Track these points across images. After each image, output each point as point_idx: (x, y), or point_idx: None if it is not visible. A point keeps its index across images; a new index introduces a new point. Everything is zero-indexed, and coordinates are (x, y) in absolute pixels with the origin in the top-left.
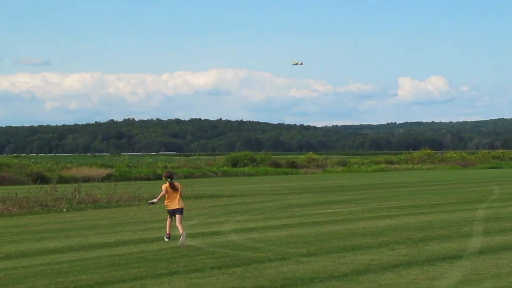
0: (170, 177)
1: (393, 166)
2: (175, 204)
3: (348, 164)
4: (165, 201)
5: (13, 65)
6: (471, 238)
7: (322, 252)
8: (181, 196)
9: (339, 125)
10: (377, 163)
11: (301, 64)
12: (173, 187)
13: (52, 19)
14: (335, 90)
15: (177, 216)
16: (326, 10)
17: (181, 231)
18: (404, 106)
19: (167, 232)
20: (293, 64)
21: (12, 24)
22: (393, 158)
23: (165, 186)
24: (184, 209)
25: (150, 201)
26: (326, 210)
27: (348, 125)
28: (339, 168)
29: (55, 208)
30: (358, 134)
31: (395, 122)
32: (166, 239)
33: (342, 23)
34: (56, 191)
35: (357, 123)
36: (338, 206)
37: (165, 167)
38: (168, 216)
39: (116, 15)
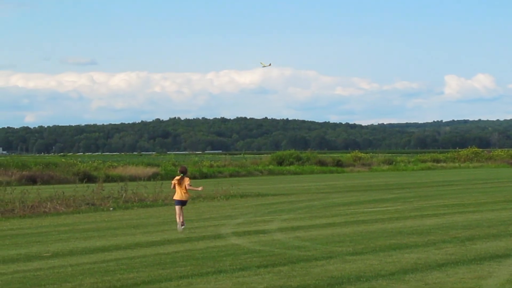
0: (183, 172)
1: (439, 165)
2: (179, 195)
3: (394, 163)
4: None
5: (60, 64)
6: None
7: (369, 251)
8: (186, 190)
9: (385, 123)
10: (424, 161)
11: (269, 65)
12: (180, 182)
13: (98, 19)
14: (381, 88)
15: (180, 207)
16: (372, 9)
17: (179, 220)
18: (450, 104)
19: (179, 220)
20: (262, 66)
21: (59, 24)
22: (440, 156)
23: (176, 179)
24: (187, 202)
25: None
26: (372, 209)
27: (394, 123)
28: (385, 167)
29: (101, 207)
30: (404, 132)
31: (441, 120)
32: (182, 226)
33: (388, 21)
34: (103, 190)
35: (403, 121)
36: (385, 205)
37: (211, 166)
38: (175, 205)
39: (162, 15)
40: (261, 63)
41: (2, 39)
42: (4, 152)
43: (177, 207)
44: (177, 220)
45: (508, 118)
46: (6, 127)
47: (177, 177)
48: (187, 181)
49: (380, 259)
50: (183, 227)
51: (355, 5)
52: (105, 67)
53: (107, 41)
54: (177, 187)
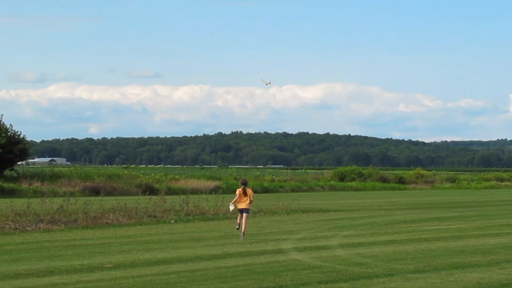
0: (244, 184)
1: (503, 184)
2: (242, 204)
3: (457, 181)
4: (237, 202)
5: (124, 77)
6: None
7: (431, 269)
8: (250, 201)
9: (448, 141)
10: (487, 180)
11: (270, 83)
12: (244, 192)
13: (163, 32)
14: (445, 105)
15: (244, 214)
16: (437, 26)
17: (243, 229)
18: None
19: (238, 222)
20: (265, 84)
21: (124, 38)
22: (504, 175)
23: (238, 190)
24: (250, 210)
25: (230, 203)
26: (435, 227)
27: (457, 141)
28: (448, 185)
29: (163, 219)
30: (467, 150)
31: (506, 139)
32: (237, 227)
33: (452, 38)
34: (165, 203)
35: (467, 139)
36: (447, 223)
37: (272, 180)
38: (239, 213)
39: (226, 29)
40: (262, 80)
41: (68, 52)
42: (68, 163)
43: (241, 215)
44: (242, 229)
45: None
46: (70, 138)
47: (240, 189)
48: (251, 192)
49: (442, 277)
50: (241, 239)
51: (419, 22)
52: (168, 80)
53: (171, 55)
54: (241, 197)
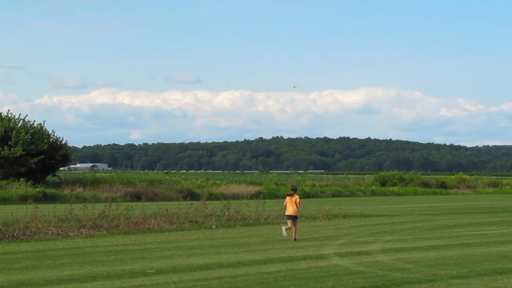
0: (294, 190)
1: None
2: (289, 211)
3: (499, 185)
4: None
5: (165, 83)
6: None
7: (474, 275)
8: (297, 207)
9: (490, 145)
10: None
11: (295, 86)
12: (291, 199)
13: (203, 38)
14: (487, 109)
15: (291, 221)
16: (479, 30)
17: (294, 234)
18: None
19: (287, 228)
20: (293, 87)
21: (164, 43)
22: None
23: (286, 198)
24: (297, 217)
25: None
26: (477, 232)
27: (499, 146)
28: (490, 189)
29: (204, 225)
30: (510, 155)
31: None
32: (284, 229)
33: (494, 42)
34: (206, 208)
35: (509, 143)
36: (490, 228)
37: (313, 185)
38: (286, 220)
39: (266, 34)
40: (294, 86)
41: (110, 57)
42: (110, 168)
43: (288, 221)
44: (284, 231)
45: None
46: (112, 143)
47: (288, 194)
48: (297, 199)
49: (485, 283)
50: (295, 240)
51: (461, 26)
52: (209, 86)
53: (212, 60)
54: (288, 203)
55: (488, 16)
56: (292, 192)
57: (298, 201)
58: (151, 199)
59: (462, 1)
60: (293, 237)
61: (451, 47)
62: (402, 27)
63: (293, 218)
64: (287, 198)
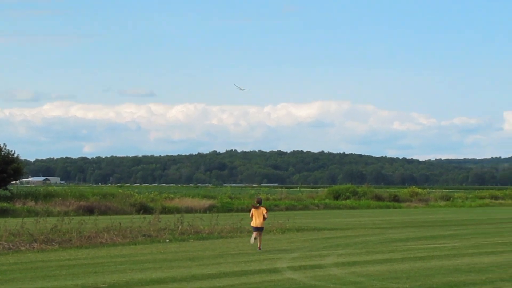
0: (259, 202)
1: (498, 202)
2: (256, 223)
3: (451, 199)
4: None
5: (119, 95)
6: None
7: None
8: (264, 218)
9: (442, 159)
10: (482, 198)
11: (241, 89)
12: (258, 211)
13: (157, 51)
14: (439, 123)
15: (259, 233)
16: (431, 44)
17: (259, 244)
18: (509, 140)
19: (257, 244)
20: (240, 90)
21: (118, 56)
22: (498, 193)
23: (252, 209)
24: (263, 228)
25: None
26: (429, 245)
27: (451, 159)
28: (443, 203)
29: (158, 239)
30: (462, 168)
31: (500, 157)
32: (253, 237)
33: (447, 56)
34: (159, 222)
35: (461, 157)
36: (442, 241)
37: (267, 199)
38: (253, 231)
39: (220, 47)
40: (235, 85)
41: (63, 71)
42: (62, 182)
43: (254, 233)
44: (252, 238)
45: None
46: (64, 157)
47: (254, 206)
48: (264, 210)
49: None
50: (259, 250)
51: (414, 40)
52: (163, 99)
53: (166, 73)
54: (254, 215)
55: (440, 30)
56: (258, 204)
57: (265, 212)
58: (104, 212)
59: (414, 15)
60: (258, 246)
61: (404, 61)
62: (355, 40)
63: (260, 229)
64: (253, 210)
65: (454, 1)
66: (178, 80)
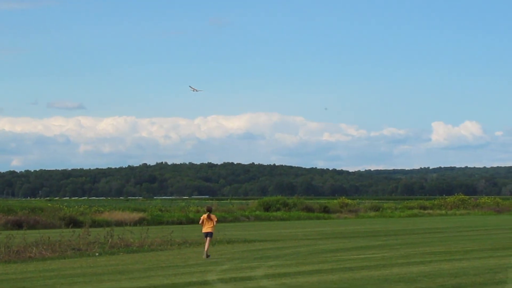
0: (209, 210)
1: (426, 212)
2: (208, 229)
3: (381, 209)
4: (202, 227)
5: (47, 108)
6: (505, 285)
7: None
8: (213, 225)
9: (372, 169)
10: (410, 208)
11: (194, 90)
12: (208, 218)
13: (86, 63)
14: (368, 134)
15: (208, 238)
16: (360, 55)
17: (205, 248)
18: (437, 151)
19: (205, 250)
20: (192, 90)
21: (46, 68)
22: (427, 203)
23: (203, 216)
24: (213, 233)
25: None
26: (359, 256)
27: (381, 170)
28: (372, 213)
29: (87, 252)
30: (391, 179)
31: (428, 167)
32: (205, 256)
33: (375, 67)
34: (89, 235)
35: (390, 167)
36: (371, 252)
37: (197, 211)
38: (204, 237)
39: (149, 60)
40: (190, 86)
41: None
42: None
43: (205, 238)
44: (205, 249)
45: (495, 165)
46: None
47: (205, 215)
48: (214, 218)
49: None
50: (208, 258)
51: (342, 52)
52: (92, 112)
53: (95, 86)
54: (205, 222)
55: (366, 41)
56: (208, 212)
57: (215, 220)
58: (32, 227)
59: (340, 27)
60: (205, 250)
61: (332, 72)
62: (284, 53)
63: (210, 235)
64: (204, 217)
65: (381, 14)
66: (107, 92)
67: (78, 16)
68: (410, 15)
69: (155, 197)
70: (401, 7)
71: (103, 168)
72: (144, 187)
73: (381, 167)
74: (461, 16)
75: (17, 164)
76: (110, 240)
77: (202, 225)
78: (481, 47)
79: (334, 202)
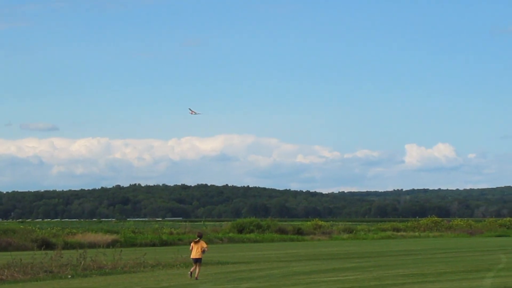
0: (199, 236)
1: (399, 234)
2: (194, 255)
3: (354, 231)
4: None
5: (21, 130)
6: None
7: None
8: (202, 251)
9: (345, 191)
10: (384, 230)
11: (195, 113)
12: (196, 244)
13: (60, 85)
14: (342, 156)
15: (197, 264)
16: (334, 77)
17: (196, 274)
18: (411, 173)
19: (191, 270)
20: (191, 114)
21: (20, 90)
22: (400, 225)
23: (192, 243)
24: (201, 259)
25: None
26: (332, 278)
27: (354, 192)
28: (346, 235)
29: (60, 275)
30: (364, 200)
31: (401, 189)
32: (189, 276)
33: (349, 90)
34: (61, 257)
35: (364, 189)
36: (344, 274)
37: (171, 233)
38: (193, 263)
39: (123, 81)
40: (190, 109)
41: None
42: None
43: (193, 266)
44: (190, 272)
45: (468, 187)
46: None
47: (195, 240)
48: (204, 244)
49: None
50: (196, 279)
51: (315, 74)
52: (66, 133)
53: (69, 108)
54: (194, 248)
55: (340, 65)
56: (198, 238)
57: (205, 245)
58: (4, 249)
59: (309, 49)
60: (195, 276)
61: (306, 95)
62: (258, 75)
63: (198, 260)
64: (193, 244)
65: (353, 35)
66: (81, 114)
67: (51, 37)
68: (383, 36)
69: (128, 219)
70: (374, 30)
71: (76, 189)
72: (117, 208)
73: (354, 189)
74: (434, 38)
75: None
76: (82, 262)
77: (191, 251)
78: (454, 70)
79: (307, 224)
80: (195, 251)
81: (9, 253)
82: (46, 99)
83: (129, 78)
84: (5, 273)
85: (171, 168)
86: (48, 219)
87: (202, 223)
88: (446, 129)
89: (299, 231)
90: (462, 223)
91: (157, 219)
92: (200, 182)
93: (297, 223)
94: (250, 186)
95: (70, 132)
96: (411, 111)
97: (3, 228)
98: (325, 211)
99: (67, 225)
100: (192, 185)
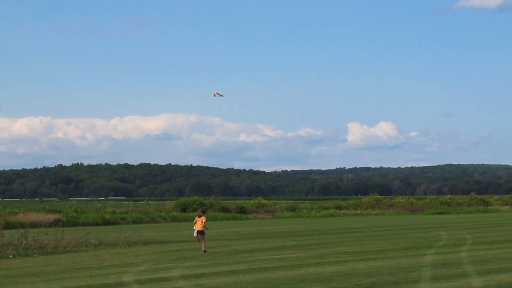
0: (203, 211)
1: (341, 212)
2: (198, 227)
3: (297, 210)
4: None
5: None
6: (419, 284)
7: None
8: (204, 225)
9: (288, 170)
10: (326, 208)
11: (219, 95)
12: (200, 217)
13: (1, 63)
14: (285, 135)
15: (202, 236)
16: (275, 54)
17: (202, 249)
18: (353, 151)
19: (202, 248)
20: (217, 95)
21: None
22: (342, 203)
23: (196, 217)
24: (204, 232)
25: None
26: (275, 256)
27: (297, 170)
28: (288, 214)
29: (1, 254)
30: (307, 179)
31: (344, 168)
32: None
33: (291, 67)
34: (2, 237)
35: (307, 168)
36: (287, 252)
37: (114, 212)
38: (196, 235)
39: (65, 59)
40: (218, 93)
41: None
42: None
43: (197, 236)
44: (202, 248)
45: (409, 165)
46: None
47: (198, 215)
48: (204, 219)
49: None
50: (205, 252)
51: (259, 52)
52: (7, 112)
53: (10, 86)
54: (197, 222)
55: (283, 43)
56: (202, 213)
57: (204, 220)
58: None
59: (254, 24)
60: (202, 249)
61: (249, 73)
62: (201, 52)
63: (201, 233)
64: (197, 217)
65: (297, 14)
66: (22, 93)
67: None
68: (323, 15)
69: (70, 198)
70: (314, 9)
71: (18, 169)
72: (59, 188)
73: (297, 167)
74: (376, 17)
75: None
76: (24, 242)
77: (195, 223)
78: (396, 49)
79: (250, 203)
80: (199, 224)
81: None
82: None
83: (72, 56)
84: None
85: (114, 147)
86: None
87: (145, 202)
88: (388, 107)
89: (242, 210)
90: (403, 200)
91: (99, 198)
92: (143, 161)
93: (240, 202)
94: (193, 165)
95: (12, 111)
96: (354, 89)
97: None
98: (268, 189)
99: (9, 205)
100: (135, 164)
